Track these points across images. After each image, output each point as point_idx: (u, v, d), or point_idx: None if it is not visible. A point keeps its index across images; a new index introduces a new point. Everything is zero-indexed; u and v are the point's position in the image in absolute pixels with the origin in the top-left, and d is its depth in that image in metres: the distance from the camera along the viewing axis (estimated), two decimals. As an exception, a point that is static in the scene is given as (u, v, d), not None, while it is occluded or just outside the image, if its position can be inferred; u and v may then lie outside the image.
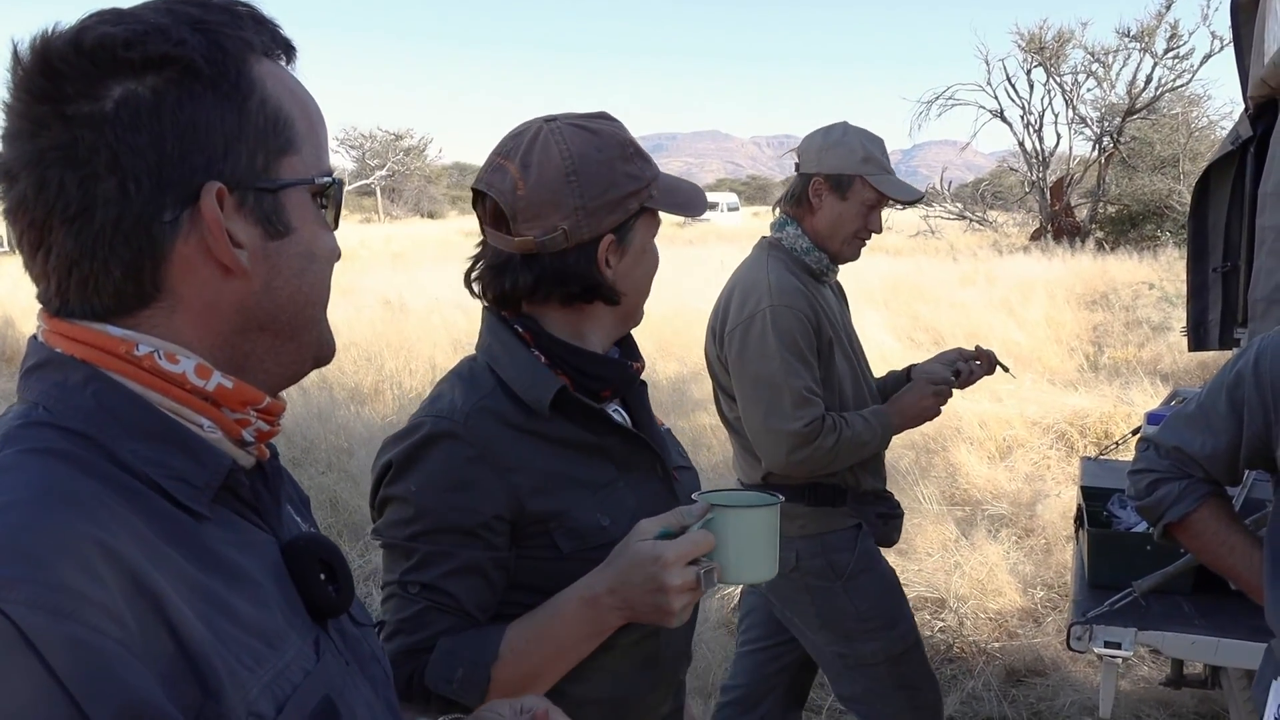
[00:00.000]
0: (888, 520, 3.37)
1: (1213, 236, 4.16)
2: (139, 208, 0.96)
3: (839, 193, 3.27)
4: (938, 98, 31.97)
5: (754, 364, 3.18)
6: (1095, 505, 3.55)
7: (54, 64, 0.95)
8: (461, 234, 37.36)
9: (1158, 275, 18.88)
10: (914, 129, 32.15)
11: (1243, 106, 4.26)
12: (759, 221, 50.76)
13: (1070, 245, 25.52)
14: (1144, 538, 3.09)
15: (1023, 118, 31.96)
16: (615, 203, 1.73)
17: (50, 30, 0.97)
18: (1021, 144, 31.42)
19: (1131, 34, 29.77)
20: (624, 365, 1.82)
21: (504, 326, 1.80)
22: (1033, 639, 5.37)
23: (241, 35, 1.02)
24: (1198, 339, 4.39)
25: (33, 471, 0.90)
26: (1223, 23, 26.43)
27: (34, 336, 1.03)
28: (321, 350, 1.14)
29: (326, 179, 1.09)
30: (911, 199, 3.28)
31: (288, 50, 1.10)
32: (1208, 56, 28.84)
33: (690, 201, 1.83)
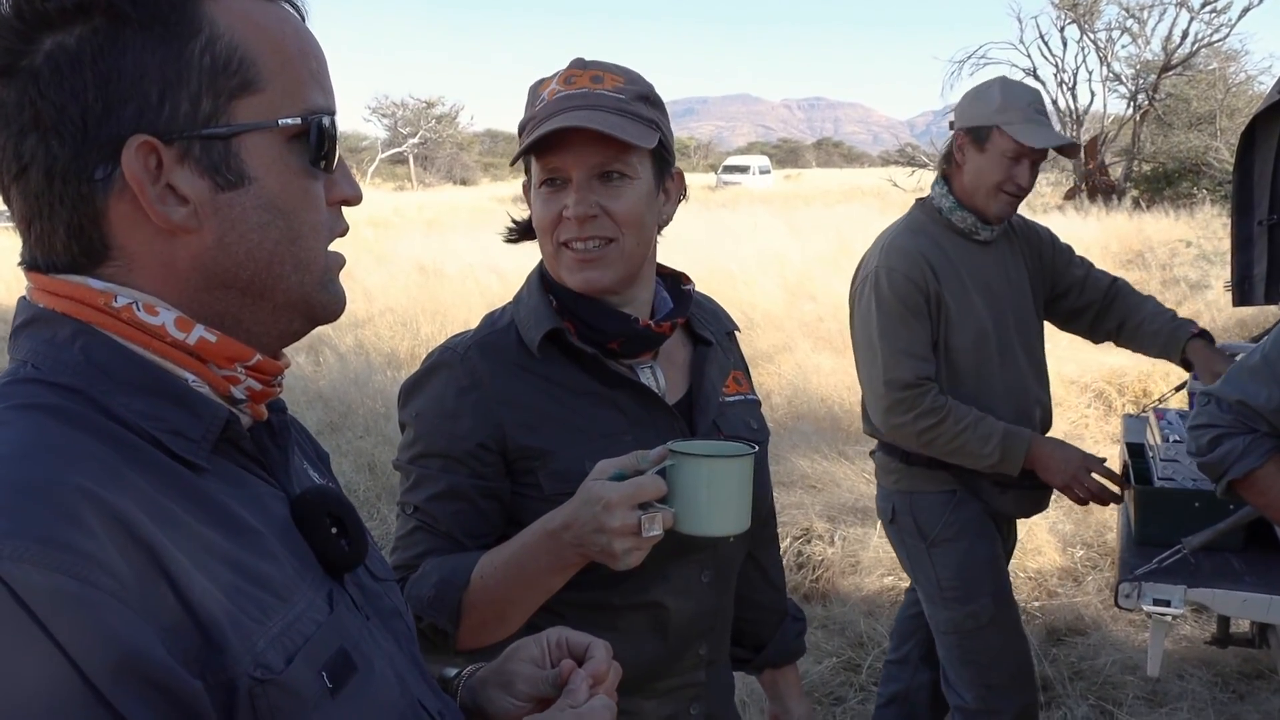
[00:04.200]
0: (1006, 490, 3.31)
1: (1258, 189, 4.09)
2: (64, 165, 0.94)
3: (978, 145, 3.23)
4: (970, 57, 31.58)
5: (859, 325, 3.27)
6: (1140, 462, 3.51)
7: None
8: (494, 200, 37.28)
9: (1195, 233, 18.64)
10: (946, 89, 31.82)
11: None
12: (790, 184, 50.52)
13: (1105, 204, 25.25)
14: (1192, 494, 3.06)
15: (1056, 76, 31.56)
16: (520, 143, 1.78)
17: None
18: (1055, 102, 30.98)
19: (1168, -12, 29.31)
20: (625, 318, 1.80)
21: (538, 269, 1.87)
22: (1073, 598, 5.36)
23: None
24: (1242, 294, 4.32)
25: (19, 427, 0.89)
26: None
27: (23, 296, 1.01)
28: (313, 310, 1.08)
29: (293, 120, 1.01)
30: (1045, 145, 3.17)
31: None
32: (1245, 10, 28.29)
33: (539, 137, 1.68)
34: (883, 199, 29.75)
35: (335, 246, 1.10)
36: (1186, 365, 3.42)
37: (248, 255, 1.01)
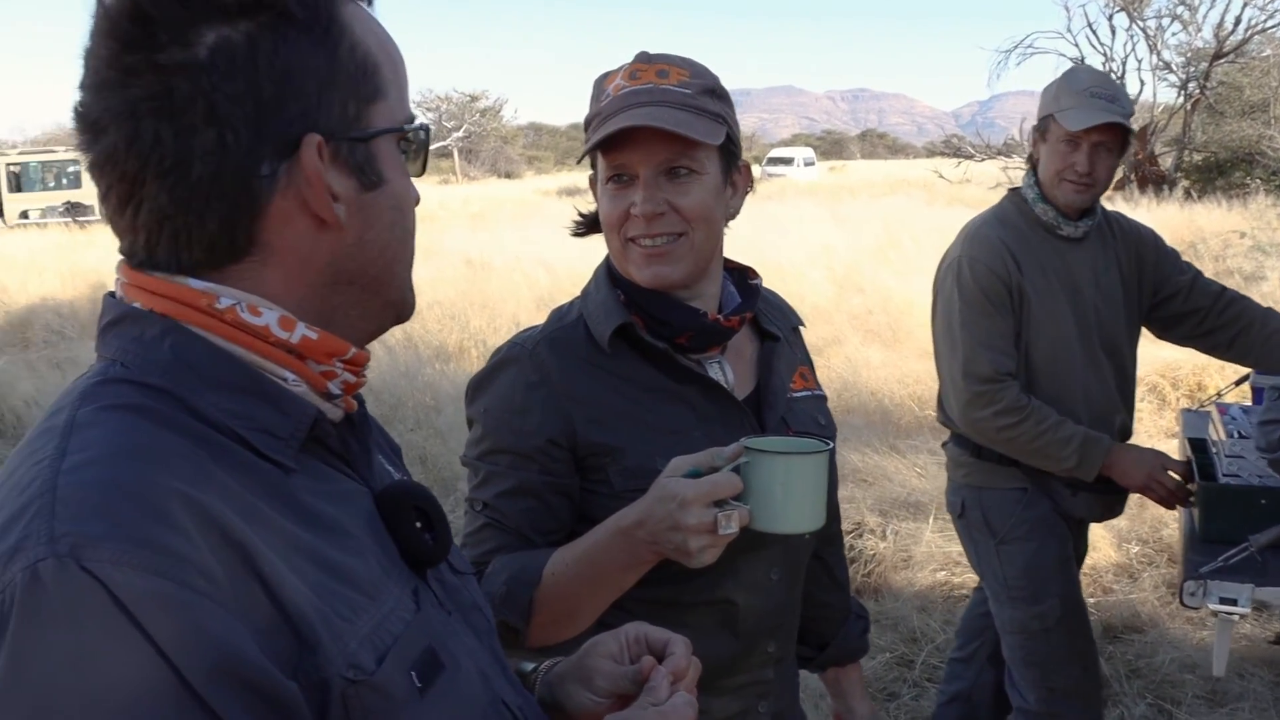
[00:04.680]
0: (1078, 492, 3.26)
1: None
2: (237, 160, 0.94)
3: (1042, 136, 3.24)
4: (1016, 46, 31.29)
5: (940, 314, 3.27)
6: (1203, 457, 3.42)
7: (145, 9, 0.92)
8: (539, 193, 37.31)
9: (1249, 224, 18.39)
10: (992, 79, 31.59)
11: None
12: (835, 176, 50.23)
13: (1155, 194, 24.97)
14: (1259, 491, 3.01)
15: (1105, 65, 31.13)
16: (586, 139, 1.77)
17: None
18: (1104, 92, 30.61)
19: (1219, -25, 28.91)
20: (693, 312, 1.78)
21: (605, 263, 1.86)
22: (1129, 595, 5.30)
23: None
24: (1306, 287, 4.27)
25: (110, 427, 0.89)
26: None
27: (110, 293, 1.01)
28: (404, 308, 1.12)
29: (414, 125, 1.06)
30: (1080, 126, 3.10)
31: None
32: (1300, -5, 27.88)
33: (605, 135, 1.68)
34: (929, 190, 29.56)
35: None
36: None
37: (379, 253, 1.04)
